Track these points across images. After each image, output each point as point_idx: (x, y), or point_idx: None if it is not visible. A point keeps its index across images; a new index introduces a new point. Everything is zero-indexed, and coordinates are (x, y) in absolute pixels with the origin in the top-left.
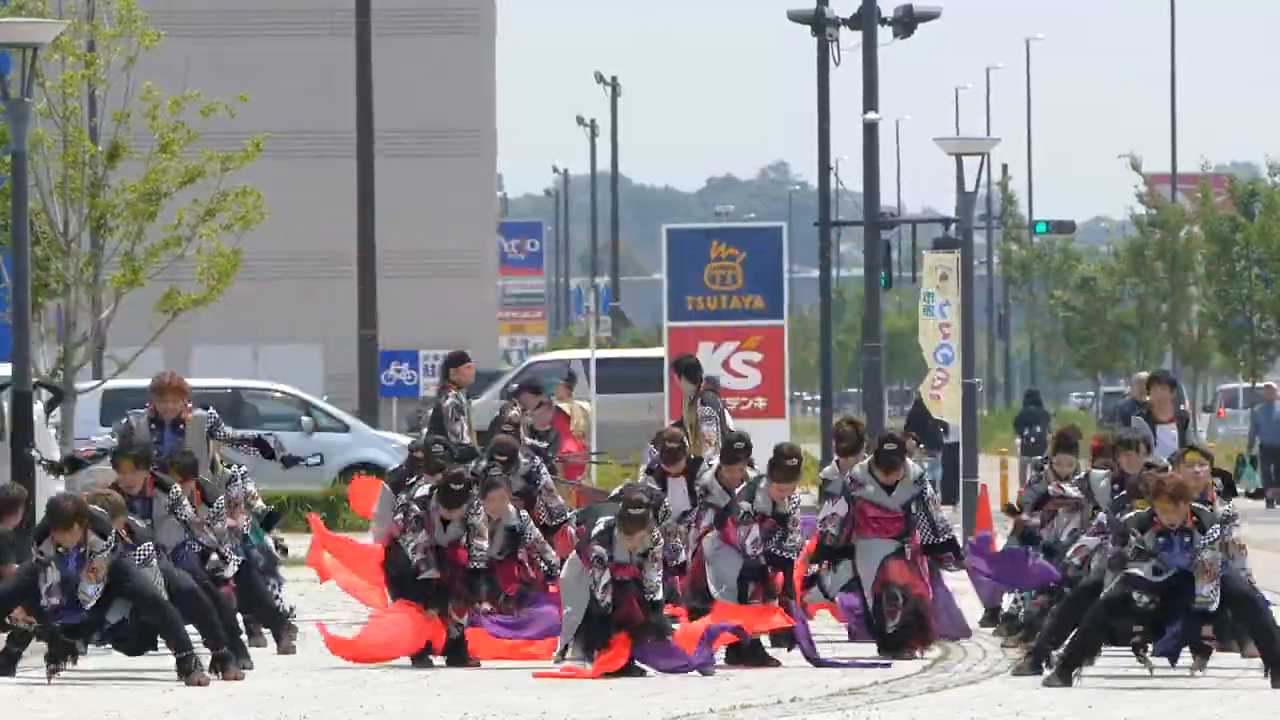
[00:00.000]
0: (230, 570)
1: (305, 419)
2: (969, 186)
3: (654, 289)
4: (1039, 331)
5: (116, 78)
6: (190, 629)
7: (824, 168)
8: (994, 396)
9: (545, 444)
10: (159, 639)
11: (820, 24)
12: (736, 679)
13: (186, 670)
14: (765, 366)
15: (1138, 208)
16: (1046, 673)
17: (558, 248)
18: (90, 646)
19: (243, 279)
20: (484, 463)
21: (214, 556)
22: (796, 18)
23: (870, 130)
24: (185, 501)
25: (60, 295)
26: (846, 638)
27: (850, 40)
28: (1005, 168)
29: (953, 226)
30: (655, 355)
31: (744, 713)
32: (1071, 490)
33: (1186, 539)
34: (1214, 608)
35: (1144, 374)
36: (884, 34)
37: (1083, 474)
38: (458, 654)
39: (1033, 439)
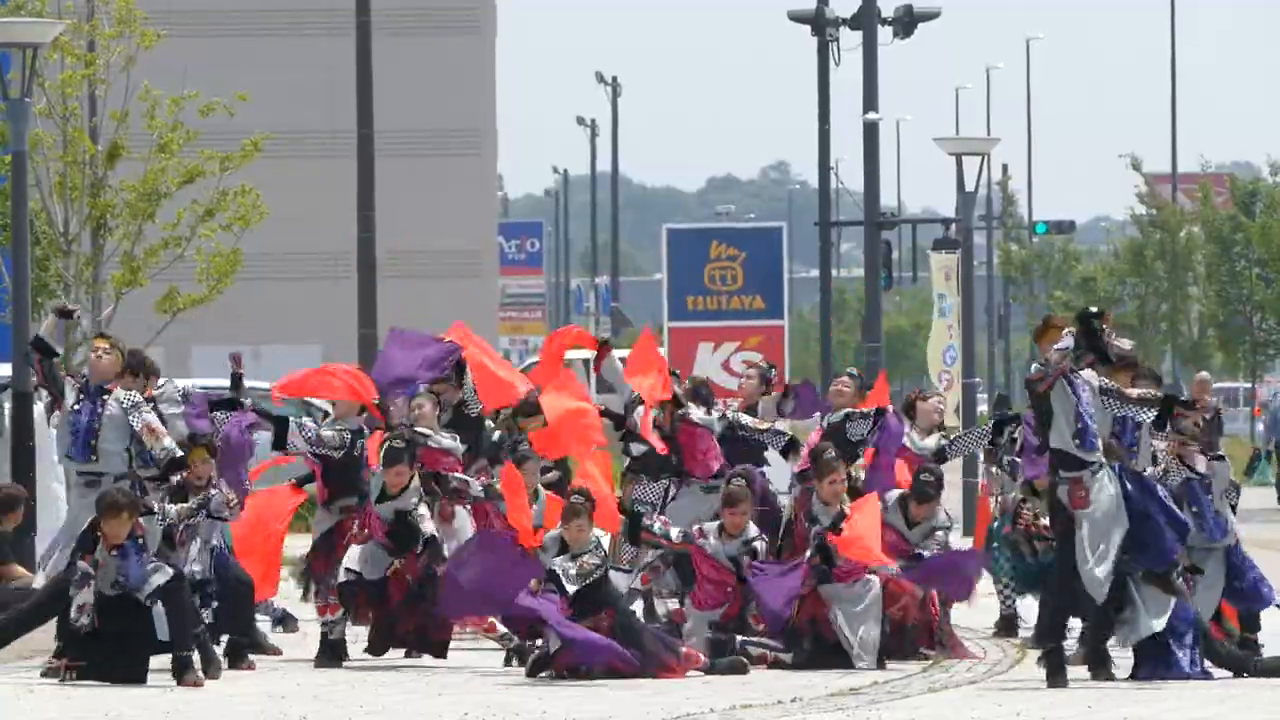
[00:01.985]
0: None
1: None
2: (969, 186)
3: (654, 289)
4: None
5: (116, 78)
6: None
7: (824, 168)
8: (994, 396)
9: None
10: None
11: (820, 24)
12: (737, 679)
13: (182, 669)
14: None
15: (1138, 208)
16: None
17: (558, 248)
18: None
19: (243, 279)
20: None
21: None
22: (796, 18)
23: (870, 130)
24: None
25: (60, 295)
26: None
27: (850, 40)
28: (1005, 168)
29: (953, 226)
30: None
31: (744, 712)
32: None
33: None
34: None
35: (1205, 374)
36: (884, 34)
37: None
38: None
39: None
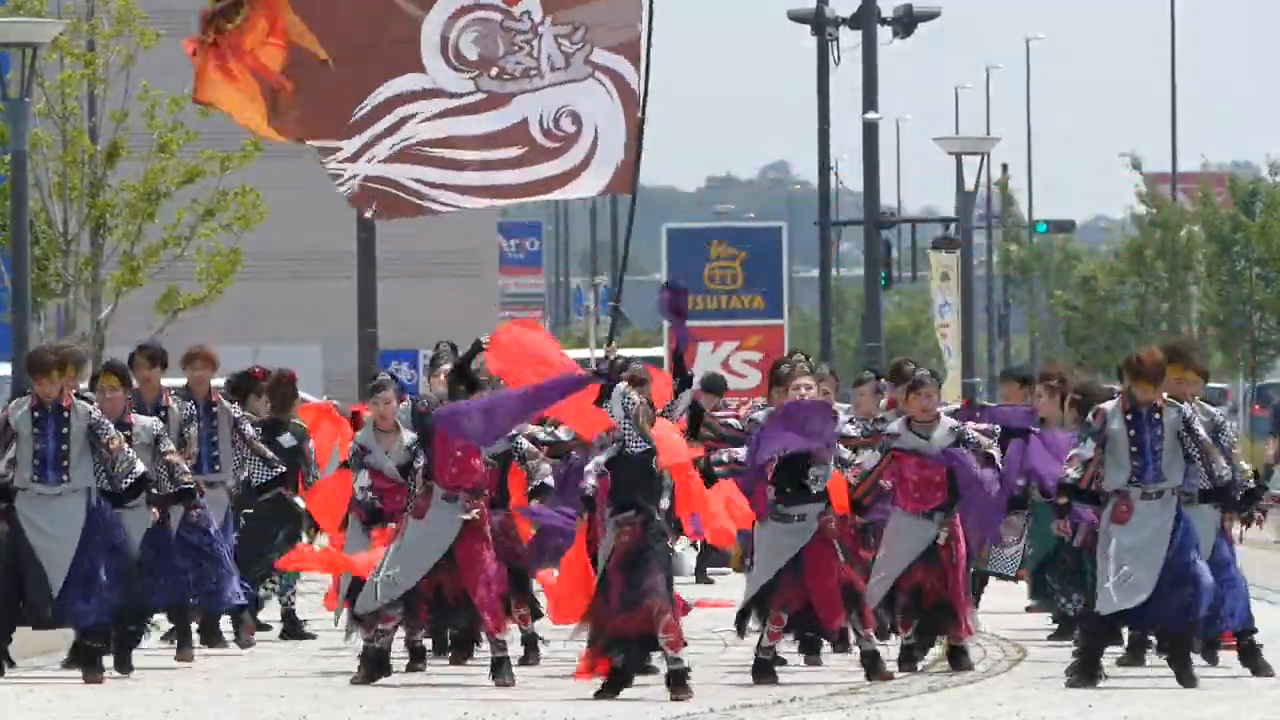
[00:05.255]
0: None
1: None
2: (969, 186)
3: (654, 289)
4: (1039, 331)
5: (115, 77)
6: None
7: (824, 168)
8: (994, 396)
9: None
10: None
11: (820, 24)
12: (737, 678)
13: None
14: (765, 366)
15: (1138, 207)
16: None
17: (558, 247)
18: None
19: (242, 279)
20: None
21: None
22: (796, 18)
23: (870, 130)
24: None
25: (60, 295)
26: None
27: (850, 40)
28: (1005, 167)
29: (953, 226)
30: (655, 355)
31: (744, 712)
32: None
33: (1157, 415)
34: (1231, 479)
35: None
36: (884, 34)
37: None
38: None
39: None
